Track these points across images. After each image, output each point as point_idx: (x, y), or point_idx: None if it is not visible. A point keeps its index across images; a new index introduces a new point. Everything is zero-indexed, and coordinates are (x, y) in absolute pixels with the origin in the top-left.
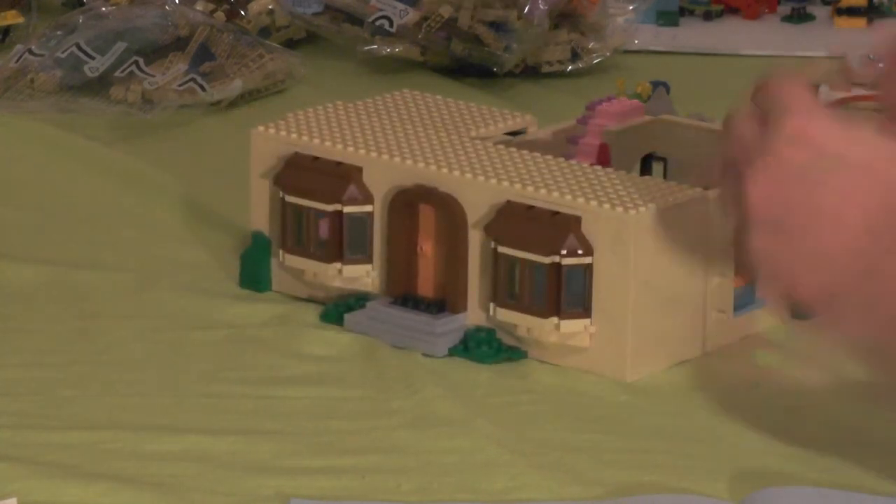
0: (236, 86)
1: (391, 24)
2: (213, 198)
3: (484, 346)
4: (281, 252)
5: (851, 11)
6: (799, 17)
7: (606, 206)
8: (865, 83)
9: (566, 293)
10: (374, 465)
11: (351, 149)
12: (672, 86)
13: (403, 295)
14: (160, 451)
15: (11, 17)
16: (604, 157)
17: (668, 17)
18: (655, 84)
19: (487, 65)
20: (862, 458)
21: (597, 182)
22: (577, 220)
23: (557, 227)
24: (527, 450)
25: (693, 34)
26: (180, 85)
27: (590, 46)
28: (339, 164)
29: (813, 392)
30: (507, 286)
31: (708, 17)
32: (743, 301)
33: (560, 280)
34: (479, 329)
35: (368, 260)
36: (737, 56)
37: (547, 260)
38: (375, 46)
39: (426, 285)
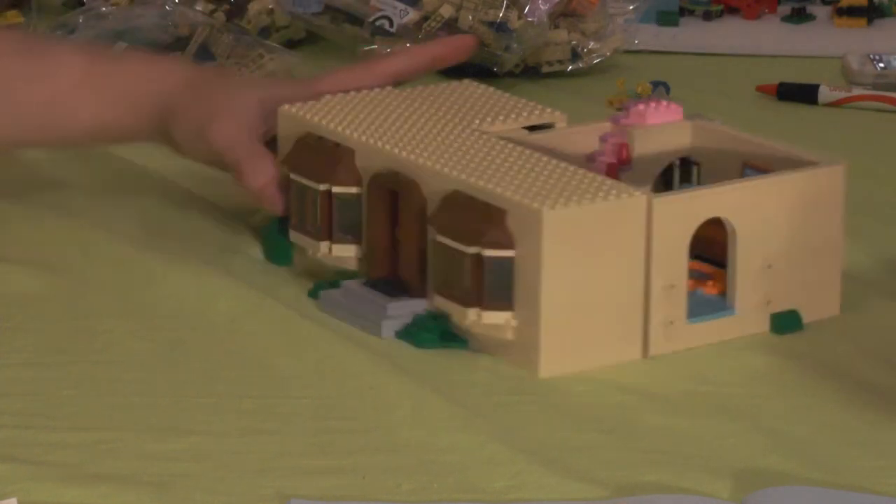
0: None
1: (391, 24)
2: (212, 197)
3: (424, 332)
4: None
5: (851, 11)
6: (799, 17)
7: (527, 200)
8: (865, 83)
9: (487, 284)
10: (374, 465)
11: (348, 132)
12: (672, 86)
13: (385, 277)
14: (160, 451)
15: (12, 18)
16: (623, 156)
17: (668, 17)
18: (655, 84)
19: (487, 65)
20: (862, 458)
21: (547, 178)
22: (501, 213)
23: (482, 219)
24: (527, 449)
25: (693, 34)
26: None
27: (590, 46)
28: (337, 145)
29: (813, 392)
30: (442, 274)
31: (708, 17)
32: (713, 308)
33: (482, 271)
34: (430, 315)
35: (357, 240)
36: (737, 56)
37: (470, 250)
38: (375, 46)
39: (404, 269)
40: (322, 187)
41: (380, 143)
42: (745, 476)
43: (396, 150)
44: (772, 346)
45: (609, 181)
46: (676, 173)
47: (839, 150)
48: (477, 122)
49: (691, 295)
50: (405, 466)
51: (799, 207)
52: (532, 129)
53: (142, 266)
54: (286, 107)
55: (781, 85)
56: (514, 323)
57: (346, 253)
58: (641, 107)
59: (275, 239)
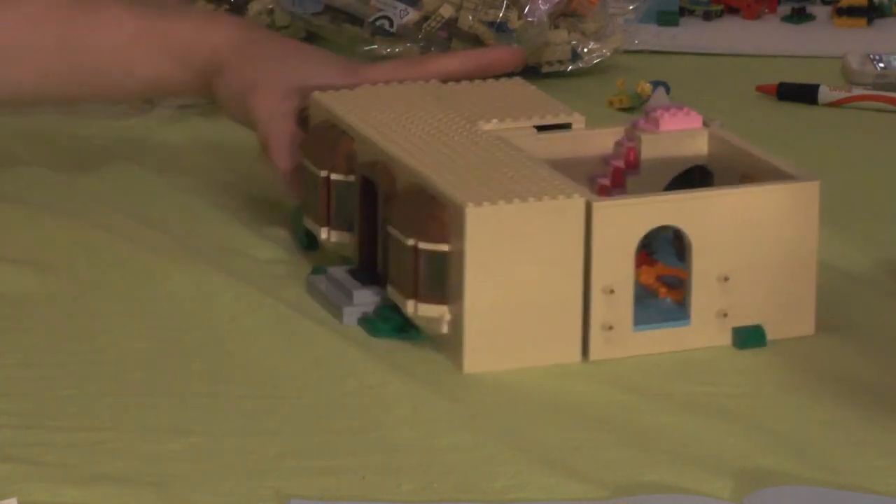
0: None
1: (391, 24)
2: (210, 197)
3: (381, 322)
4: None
5: (851, 11)
6: (799, 17)
7: (459, 196)
8: (865, 83)
9: (422, 277)
10: (374, 465)
11: (355, 121)
12: (672, 86)
13: (369, 265)
14: (160, 451)
15: None
16: (630, 160)
17: (668, 17)
18: (655, 84)
19: None
20: (862, 458)
21: (503, 177)
22: (441, 208)
23: (424, 212)
24: (527, 449)
25: (693, 34)
26: None
27: (590, 46)
28: (342, 133)
29: (813, 392)
30: (392, 265)
31: (708, 17)
32: (669, 316)
33: (418, 263)
34: (391, 306)
35: (352, 228)
36: (737, 56)
37: (409, 242)
38: (376, 46)
39: (379, 258)
40: (322, 173)
41: (371, 134)
42: (745, 476)
43: (382, 142)
44: (772, 348)
45: (561, 183)
46: (697, 181)
47: (839, 150)
48: (484, 119)
49: (661, 302)
50: (405, 466)
51: (763, 221)
52: (547, 129)
53: (142, 266)
54: (317, 94)
55: (781, 85)
56: (448, 317)
57: (342, 239)
58: (659, 112)
59: (301, 224)
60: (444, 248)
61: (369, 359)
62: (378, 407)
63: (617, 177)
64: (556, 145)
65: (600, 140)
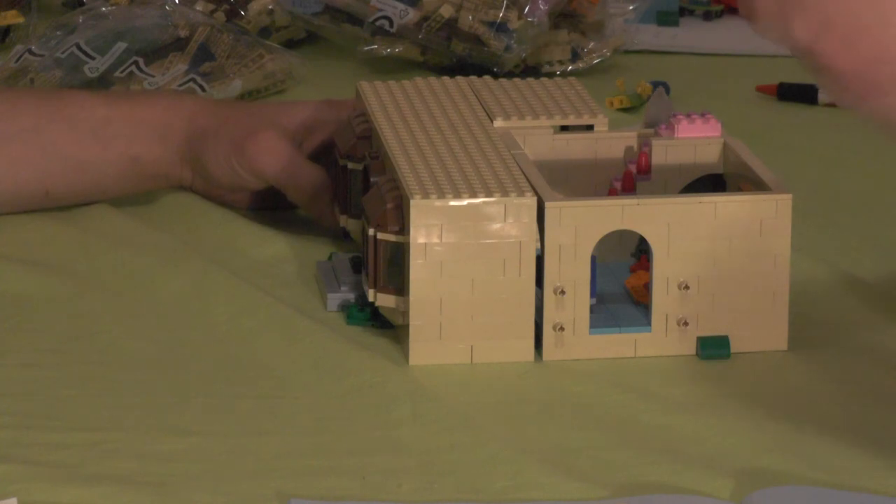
0: (236, 86)
1: (391, 25)
2: (210, 198)
3: (357, 310)
4: None
5: None
6: None
7: (414, 190)
8: None
9: (381, 267)
10: (374, 465)
11: (378, 113)
12: (672, 86)
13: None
14: (160, 451)
15: (11, 17)
16: (641, 165)
17: (668, 17)
18: (655, 84)
19: (487, 65)
20: (862, 458)
21: (472, 173)
22: (403, 200)
23: (384, 204)
24: (527, 449)
25: (693, 34)
26: (180, 85)
27: (590, 46)
28: (364, 124)
29: (813, 392)
30: (364, 254)
31: (708, 17)
32: (634, 322)
33: (377, 253)
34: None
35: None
36: (737, 56)
37: (371, 231)
38: (376, 46)
39: None
40: (341, 162)
41: (383, 126)
42: (745, 476)
43: (387, 134)
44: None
45: (523, 182)
46: (710, 189)
47: (839, 150)
48: (503, 117)
49: (634, 307)
50: (405, 466)
51: (729, 232)
52: (569, 129)
53: (142, 266)
54: (363, 83)
55: (781, 85)
56: (402, 308)
57: (354, 227)
58: (679, 118)
59: None
60: (401, 239)
61: (369, 358)
62: (378, 407)
63: (627, 180)
64: (572, 146)
65: (618, 143)
